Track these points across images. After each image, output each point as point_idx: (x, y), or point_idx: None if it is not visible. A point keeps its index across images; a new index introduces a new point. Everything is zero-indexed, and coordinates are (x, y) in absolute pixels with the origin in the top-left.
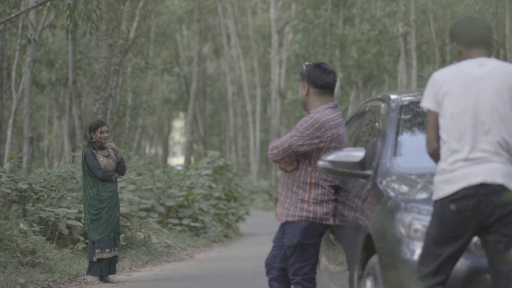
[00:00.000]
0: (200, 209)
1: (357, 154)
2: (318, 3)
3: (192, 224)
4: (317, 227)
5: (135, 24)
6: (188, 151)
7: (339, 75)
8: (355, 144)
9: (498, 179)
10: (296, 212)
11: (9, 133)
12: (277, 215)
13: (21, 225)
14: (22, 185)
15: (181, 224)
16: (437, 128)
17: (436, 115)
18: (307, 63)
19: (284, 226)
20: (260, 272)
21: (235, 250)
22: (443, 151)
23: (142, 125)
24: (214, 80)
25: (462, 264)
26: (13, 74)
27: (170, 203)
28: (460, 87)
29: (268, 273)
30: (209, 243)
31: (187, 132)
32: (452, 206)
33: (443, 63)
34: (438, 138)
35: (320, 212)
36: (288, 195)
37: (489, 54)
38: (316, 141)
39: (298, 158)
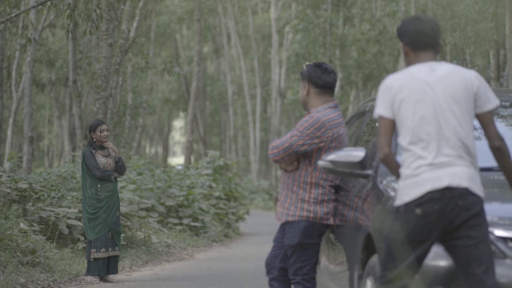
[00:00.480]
0: (200, 208)
1: (357, 154)
2: (318, 3)
3: (192, 223)
4: (317, 227)
5: (135, 24)
6: (188, 150)
7: (339, 75)
8: (356, 144)
9: (463, 183)
10: (297, 212)
11: (9, 132)
12: (277, 215)
13: (21, 225)
14: (22, 185)
15: (181, 224)
16: (390, 134)
17: (390, 122)
18: (307, 63)
19: (285, 226)
20: (260, 272)
21: (235, 249)
22: (406, 158)
23: (142, 124)
24: (214, 80)
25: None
26: (13, 73)
27: (170, 202)
28: (416, 94)
29: (268, 273)
30: (209, 242)
31: (187, 131)
32: (418, 210)
33: None
34: (390, 144)
35: (321, 212)
36: (288, 195)
37: (436, 56)
38: (317, 140)
39: (299, 158)
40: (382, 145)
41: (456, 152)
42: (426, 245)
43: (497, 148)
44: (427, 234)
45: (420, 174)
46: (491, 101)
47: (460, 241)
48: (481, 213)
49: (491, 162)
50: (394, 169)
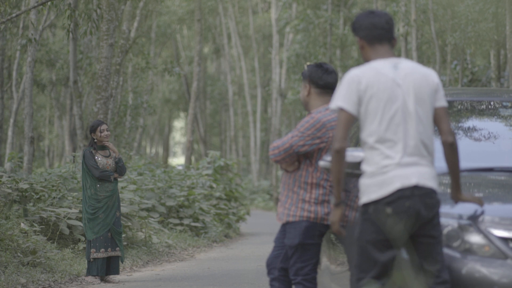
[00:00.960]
0: (201, 209)
1: (358, 154)
2: (319, 3)
3: (193, 224)
4: (318, 227)
5: (136, 24)
6: (189, 151)
7: (340, 75)
8: (356, 144)
9: (429, 183)
10: (297, 212)
11: (10, 133)
12: (278, 215)
13: (22, 225)
14: (23, 185)
15: (181, 224)
16: (349, 128)
17: (351, 116)
18: (308, 63)
19: (285, 226)
20: (261, 272)
21: (235, 250)
22: (372, 156)
23: (143, 125)
24: (215, 80)
25: (463, 264)
26: (14, 74)
27: (170, 203)
28: (385, 93)
29: (269, 273)
30: (210, 243)
31: (187, 132)
32: (388, 209)
33: (444, 63)
34: (347, 138)
35: (321, 212)
36: (289, 195)
37: (392, 49)
38: (317, 141)
39: (299, 158)
40: (340, 137)
41: (420, 152)
42: (398, 243)
43: (450, 143)
44: (399, 233)
45: (387, 172)
46: (445, 99)
47: (423, 239)
48: (439, 212)
49: (491, 162)
50: (341, 166)
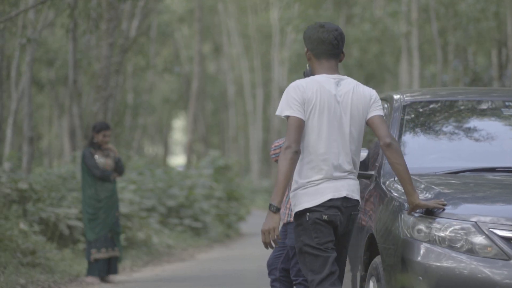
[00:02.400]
0: (201, 209)
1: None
2: (320, 2)
3: (193, 224)
4: None
5: (136, 23)
6: (189, 151)
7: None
8: None
9: (355, 196)
10: None
11: (8, 133)
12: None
13: (21, 225)
14: (23, 185)
15: (182, 224)
16: (300, 132)
17: (300, 121)
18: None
19: (286, 226)
20: (262, 273)
21: (236, 250)
22: (309, 167)
23: (143, 124)
24: (214, 80)
25: (465, 264)
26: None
27: (171, 203)
28: (325, 108)
29: (270, 273)
30: (210, 243)
31: (188, 131)
32: (325, 216)
33: (445, 62)
34: (299, 141)
35: None
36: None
37: (337, 64)
38: None
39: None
40: (291, 141)
41: (350, 167)
42: (334, 247)
43: (388, 144)
44: (332, 236)
45: (320, 184)
46: (382, 111)
47: (337, 247)
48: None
49: (492, 162)
50: (291, 165)
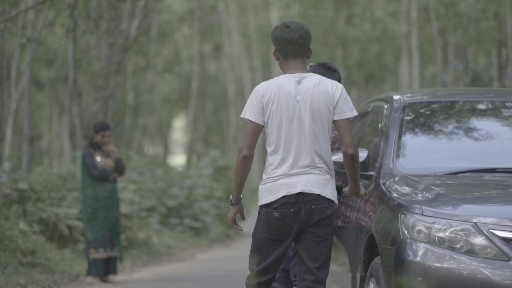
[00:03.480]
0: (201, 209)
1: (359, 154)
2: (320, 2)
3: (193, 224)
4: None
5: (136, 23)
6: (190, 150)
7: (341, 73)
8: (358, 144)
9: (315, 190)
10: None
11: (8, 133)
12: None
13: (21, 225)
14: (22, 185)
15: (182, 224)
16: (255, 137)
17: (257, 126)
18: (311, 64)
19: None
20: None
21: (236, 250)
22: (268, 164)
23: (143, 124)
24: (215, 79)
25: (465, 265)
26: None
27: (171, 203)
28: (282, 108)
29: None
30: (210, 243)
31: (188, 131)
32: (276, 213)
33: (445, 62)
34: (252, 146)
35: None
36: None
37: (305, 63)
38: None
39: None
40: (247, 145)
41: (312, 163)
42: (286, 243)
43: (350, 155)
44: (285, 234)
45: (277, 181)
46: (350, 111)
47: (305, 235)
48: (332, 216)
49: (492, 163)
50: (245, 171)
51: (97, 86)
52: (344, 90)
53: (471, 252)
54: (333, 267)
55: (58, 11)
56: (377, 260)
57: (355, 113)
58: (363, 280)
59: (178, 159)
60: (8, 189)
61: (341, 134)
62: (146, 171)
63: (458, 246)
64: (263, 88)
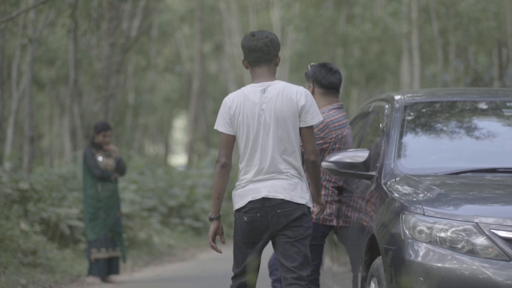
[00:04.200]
0: (202, 209)
1: (361, 155)
2: (320, 2)
3: (194, 224)
4: (320, 228)
5: (136, 23)
6: (190, 150)
7: (342, 74)
8: (359, 144)
9: (279, 195)
10: None
11: (9, 133)
12: None
13: (22, 225)
14: (23, 185)
15: (183, 224)
16: (229, 147)
17: (229, 137)
18: (312, 64)
19: None
20: (263, 273)
21: None
22: (240, 171)
23: (144, 124)
24: (215, 79)
25: (467, 265)
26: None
27: (172, 203)
28: (249, 118)
29: (271, 274)
30: None
31: (189, 131)
32: (245, 217)
33: (446, 62)
34: (228, 155)
35: (324, 213)
36: None
37: (272, 70)
38: (320, 142)
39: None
40: (220, 155)
41: (277, 169)
42: (258, 245)
43: (312, 161)
44: (256, 237)
45: (245, 186)
46: (314, 118)
47: (279, 238)
48: (302, 217)
49: (493, 163)
50: (224, 180)
51: (97, 86)
52: (310, 96)
53: (472, 252)
54: (334, 267)
55: (59, 11)
56: (378, 260)
57: (319, 119)
58: (364, 280)
59: (179, 159)
60: (9, 189)
61: (303, 141)
62: (147, 171)
63: (459, 246)
64: (230, 99)
